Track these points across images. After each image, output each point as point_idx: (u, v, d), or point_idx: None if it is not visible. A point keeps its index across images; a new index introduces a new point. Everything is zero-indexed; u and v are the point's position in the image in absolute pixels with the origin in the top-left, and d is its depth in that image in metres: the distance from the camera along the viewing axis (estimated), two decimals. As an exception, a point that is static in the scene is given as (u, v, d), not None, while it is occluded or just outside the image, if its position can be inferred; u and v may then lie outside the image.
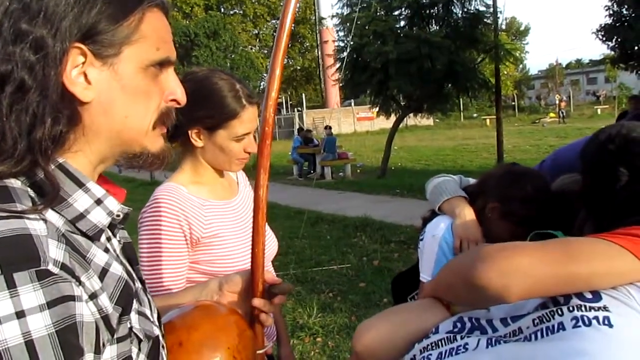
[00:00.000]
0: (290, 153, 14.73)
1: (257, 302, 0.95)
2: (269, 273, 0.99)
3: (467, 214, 1.45)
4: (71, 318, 0.55)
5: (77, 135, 0.65)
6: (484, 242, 1.43)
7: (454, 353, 0.86)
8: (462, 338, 0.88)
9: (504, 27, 37.64)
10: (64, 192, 0.63)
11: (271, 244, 1.58)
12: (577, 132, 19.25)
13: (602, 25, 13.04)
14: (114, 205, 0.68)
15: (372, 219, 7.22)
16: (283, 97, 39.03)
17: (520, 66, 52.33)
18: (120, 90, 0.66)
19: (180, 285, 1.32)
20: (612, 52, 14.05)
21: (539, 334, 0.81)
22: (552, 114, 31.37)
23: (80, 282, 0.58)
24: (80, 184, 0.65)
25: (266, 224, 1.54)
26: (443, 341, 0.90)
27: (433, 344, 0.91)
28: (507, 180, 1.45)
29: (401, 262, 5.39)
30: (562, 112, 29.37)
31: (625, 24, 12.36)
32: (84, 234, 0.64)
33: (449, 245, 1.44)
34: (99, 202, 0.66)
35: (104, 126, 0.67)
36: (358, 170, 14.08)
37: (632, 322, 0.76)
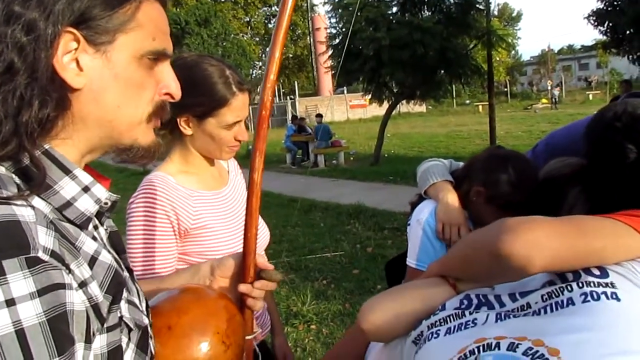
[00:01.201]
0: (283, 141, 14.69)
1: (244, 287, 0.94)
2: (261, 257, 0.98)
3: (450, 198, 1.44)
4: (62, 306, 0.54)
5: (65, 122, 0.64)
6: (467, 226, 1.43)
7: (462, 328, 0.87)
8: (470, 314, 0.89)
9: (496, 13, 37.61)
10: (50, 179, 0.62)
11: (263, 234, 1.56)
12: (569, 117, 19.31)
13: (594, 10, 13.04)
14: (102, 192, 0.67)
15: (366, 206, 7.23)
16: (275, 85, 38.71)
17: (513, 52, 52.25)
18: (113, 78, 0.65)
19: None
20: (604, 37, 14.06)
21: (548, 308, 0.82)
22: (544, 100, 31.46)
23: (70, 270, 0.57)
24: (67, 171, 0.63)
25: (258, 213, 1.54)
26: (451, 317, 0.90)
27: (441, 320, 0.91)
28: (490, 163, 1.44)
29: (394, 248, 5.41)
30: (555, 98, 29.43)
31: (617, 8, 12.36)
32: (71, 222, 0.63)
33: (432, 229, 1.44)
34: (86, 189, 0.65)
35: (94, 114, 0.65)
36: (351, 158, 14.08)
37: (637, 297, 0.79)
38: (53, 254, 0.55)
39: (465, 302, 0.93)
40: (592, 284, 0.81)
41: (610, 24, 12.60)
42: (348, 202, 7.67)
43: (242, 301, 0.95)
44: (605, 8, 12.78)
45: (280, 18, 0.88)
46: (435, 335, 0.89)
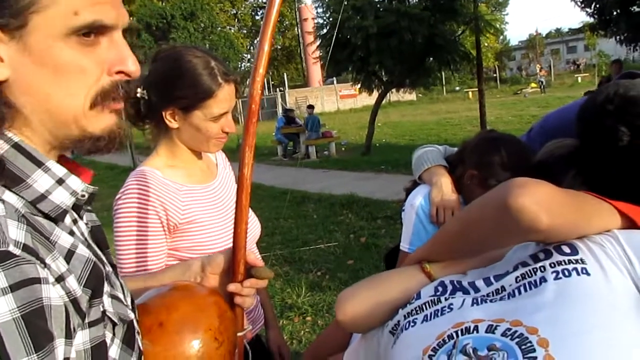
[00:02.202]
0: (274, 134, 14.65)
1: (233, 287, 0.92)
2: (252, 254, 0.97)
3: (444, 181, 1.44)
4: (38, 301, 0.52)
5: (7, 116, 0.60)
6: (461, 209, 1.43)
7: (439, 314, 0.87)
8: (446, 299, 0.89)
9: (483, -2, 37.48)
10: (22, 173, 0.59)
11: (254, 227, 1.55)
12: (558, 101, 19.38)
13: (581, -9, 13.04)
14: (77, 184, 0.64)
15: (358, 196, 7.22)
16: (265, 78, 38.56)
17: (501, 37, 52.31)
18: (35, 65, 0.59)
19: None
20: (591, 19, 14.07)
21: (522, 289, 0.83)
22: (533, 84, 31.52)
23: (45, 264, 0.55)
24: (39, 164, 0.61)
25: (249, 207, 1.52)
26: (427, 304, 0.90)
27: (417, 308, 0.91)
28: (483, 146, 1.44)
29: (388, 237, 5.42)
30: (541, 82, 29.52)
31: (603, -11, 12.37)
32: (46, 216, 0.61)
33: (426, 213, 1.44)
34: (60, 181, 0.62)
35: (30, 106, 0.60)
36: (343, 148, 14.06)
37: (604, 265, 0.80)
38: (25, 248, 0.53)
39: (440, 288, 0.93)
40: (563, 262, 0.82)
41: (597, 6, 12.59)
42: (340, 192, 7.67)
43: (232, 298, 0.94)
44: (591, -11, 12.80)
45: (269, 12, 0.87)
46: (412, 324, 0.89)
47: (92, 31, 0.61)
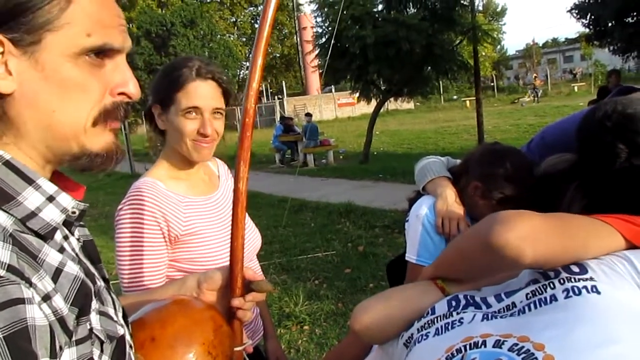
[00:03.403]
0: (272, 141, 14.66)
1: (237, 302, 0.93)
2: (249, 269, 0.97)
3: (449, 193, 1.46)
4: (21, 322, 0.52)
5: (4, 128, 0.61)
6: (466, 220, 1.44)
7: (450, 328, 0.88)
8: (457, 314, 0.91)
9: (480, 8, 37.79)
10: (13, 190, 0.60)
11: (254, 239, 1.55)
12: (555, 110, 19.47)
13: (576, 2, 13.14)
14: (68, 201, 0.64)
15: (356, 205, 7.23)
16: (263, 85, 38.73)
17: (498, 47, 52.59)
18: (44, 81, 0.61)
19: (160, 285, 1.28)
20: (587, 30, 14.18)
21: (532, 305, 0.84)
22: (527, 97, 31.64)
23: (31, 284, 0.55)
24: (30, 181, 0.61)
25: (249, 218, 1.52)
26: (439, 318, 0.92)
27: (430, 322, 0.93)
28: (487, 159, 1.45)
29: (386, 246, 5.42)
30: (536, 91, 29.62)
31: (599, 0, 12.46)
32: (35, 233, 0.61)
33: (432, 224, 1.45)
34: (51, 199, 0.63)
35: (32, 121, 0.62)
36: (340, 157, 14.08)
37: (616, 285, 0.81)
38: (10, 269, 0.53)
39: (454, 302, 0.94)
40: (572, 280, 0.83)
41: (593, 17, 12.70)
42: (338, 201, 7.67)
43: (230, 312, 0.94)
44: (587, 1, 12.89)
45: (261, 27, 0.88)
46: (424, 337, 0.91)
47: (101, 53, 0.64)
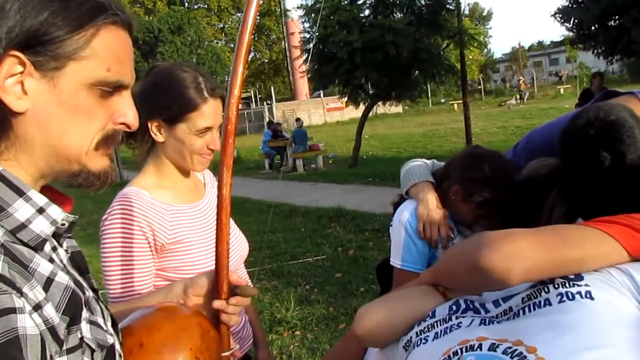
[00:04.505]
0: (261, 147, 14.66)
1: (218, 303, 0.93)
2: (234, 273, 0.98)
3: (430, 197, 1.47)
4: (13, 331, 0.53)
5: (8, 143, 0.63)
6: (447, 224, 1.46)
7: (448, 331, 0.89)
8: (457, 318, 0.92)
9: (467, 12, 38.11)
10: (4, 202, 0.61)
11: (241, 246, 1.55)
12: (541, 112, 19.67)
13: (560, 7, 13.30)
14: (58, 213, 0.66)
15: (346, 209, 7.25)
16: (252, 91, 38.73)
17: (485, 50, 53.07)
18: (58, 105, 0.64)
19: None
20: (571, 33, 14.36)
21: (526, 309, 0.85)
22: (517, 96, 31.95)
23: (22, 294, 0.56)
24: (20, 193, 0.62)
25: (236, 226, 1.52)
26: (439, 322, 0.93)
27: (429, 326, 0.94)
28: (467, 163, 1.47)
29: (376, 250, 5.44)
30: (522, 94, 29.94)
31: (582, 5, 12.62)
32: (26, 244, 0.62)
33: (414, 228, 1.47)
34: (41, 210, 0.64)
35: (39, 139, 0.64)
36: (330, 161, 14.10)
37: (612, 294, 0.81)
38: (1, 278, 0.54)
39: (454, 307, 0.96)
40: (567, 285, 0.84)
41: (576, 21, 12.86)
42: (328, 205, 7.69)
43: (217, 317, 0.95)
44: (570, 5, 13.05)
45: (241, 36, 0.90)
46: (423, 341, 0.92)
47: (112, 87, 0.68)
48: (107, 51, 0.66)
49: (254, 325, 1.65)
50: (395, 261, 1.51)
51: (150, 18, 37.24)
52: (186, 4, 44.73)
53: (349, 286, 4.52)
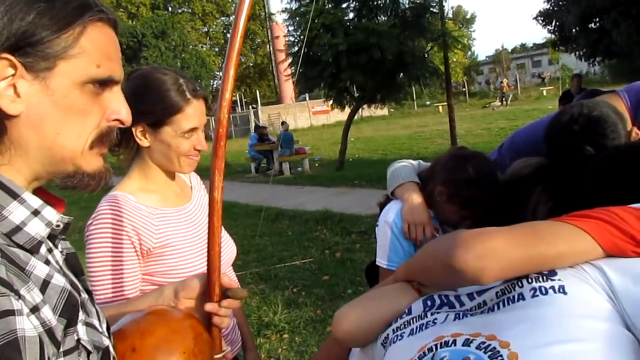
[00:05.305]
0: (247, 151, 14.63)
1: (210, 306, 0.94)
2: (226, 276, 0.98)
3: (415, 198, 1.49)
4: (12, 333, 0.53)
5: (2, 147, 0.63)
6: (432, 224, 1.47)
7: (423, 328, 0.90)
8: (432, 314, 0.92)
9: (450, 15, 38.41)
10: None
11: (229, 250, 1.55)
12: (525, 113, 19.88)
13: (541, 10, 13.51)
14: (53, 215, 0.66)
15: (332, 212, 7.25)
16: (237, 95, 38.61)
17: (469, 53, 53.60)
18: (52, 105, 0.64)
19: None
20: (553, 36, 14.58)
21: (500, 304, 0.86)
22: (499, 98, 32.29)
23: (20, 296, 0.56)
24: (15, 195, 0.63)
25: (224, 229, 1.52)
26: (414, 319, 0.94)
27: (406, 323, 0.94)
28: (451, 164, 1.49)
29: (363, 252, 5.45)
30: (503, 95, 30.31)
31: (563, 8, 12.83)
32: (21, 247, 0.62)
33: (399, 229, 1.49)
34: (36, 212, 0.64)
35: (34, 141, 0.64)
36: (316, 164, 14.11)
37: (584, 289, 0.81)
38: (0, 281, 0.54)
39: (429, 302, 0.96)
40: (541, 279, 0.85)
41: (557, 23, 13.06)
42: (315, 208, 7.69)
43: (209, 320, 0.95)
44: (551, 8, 13.26)
45: (233, 38, 0.90)
46: (399, 337, 0.93)
47: (104, 83, 0.68)
48: (95, 48, 0.66)
49: (242, 329, 1.66)
50: (381, 261, 1.52)
51: (134, 23, 36.98)
52: (170, 8, 44.49)
53: (337, 288, 4.53)
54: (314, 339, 3.64)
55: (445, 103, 14.19)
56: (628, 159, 1.06)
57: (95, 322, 0.71)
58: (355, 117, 13.80)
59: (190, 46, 38.23)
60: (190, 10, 46.50)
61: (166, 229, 1.35)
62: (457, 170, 1.45)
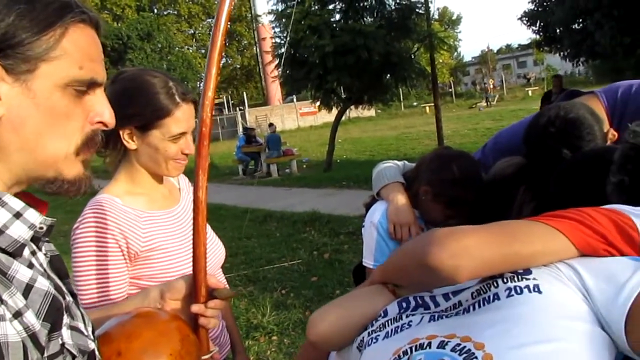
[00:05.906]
0: (234, 153, 14.58)
1: (196, 307, 0.93)
2: (212, 276, 0.98)
3: (400, 199, 1.50)
4: None
5: None
6: (418, 224, 1.48)
7: (399, 330, 0.90)
8: (407, 317, 0.92)
9: (436, 16, 38.69)
10: None
11: (218, 252, 1.54)
12: (511, 114, 20.07)
13: (526, 10, 13.65)
14: (36, 217, 0.65)
15: (320, 213, 7.25)
16: (224, 97, 38.47)
17: (455, 54, 54.00)
18: (34, 108, 0.63)
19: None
20: (537, 36, 14.74)
21: (476, 305, 0.86)
22: (484, 99, 32.57)
23: (2, 301, 0.55)
24: None
25: (212, 232, 1.51)
26: (389, 322, 0.94)
27: (381, 326, 0.94)
28: (436, 163, 1.51)
29: (351, 253, 5.46)
30: (488, 96, 30.62)
31: (547, 9, 12.97)
32: (3, 251, 0.61)
33: (385, 229, 1.50)
34: (18, 215, 0.63)
35: (15, 144, 0.63)
36: (304, 166, 14.12)
37: (559, 288, 0.82)
38: None
39: (404, 304, 0.96)
40: (515, 279, 0.85)
41: (542, 24, 13.21)
42: (303, 209, 7.68)
43: (195, 321, 0.95)
44: (536, 9, 13.41)
45: (215, 37, 0.90)
46: (374, 340, 0.93)
47: (86, 85, 0.67)
48: (77, 49, 0.65)
49: (231, 332, 1.64)
50: (368, 261, 1.53)
51: (119, 25, 36.68)
52: (155, 10, 44.23)
53: (325, 290, 4.53)
54: (303, 340, 3.63)
55: (432, 104, 14.29)
56: (583, 166, 1.08)
57: (81, 326, 0.70)
58: (343, 118, 13.84)
59: (177, 48, 38.08)
60: (176, 12, 46.28)
61: (154, 232, 1.34)
62: (441, 169, 1.46)
